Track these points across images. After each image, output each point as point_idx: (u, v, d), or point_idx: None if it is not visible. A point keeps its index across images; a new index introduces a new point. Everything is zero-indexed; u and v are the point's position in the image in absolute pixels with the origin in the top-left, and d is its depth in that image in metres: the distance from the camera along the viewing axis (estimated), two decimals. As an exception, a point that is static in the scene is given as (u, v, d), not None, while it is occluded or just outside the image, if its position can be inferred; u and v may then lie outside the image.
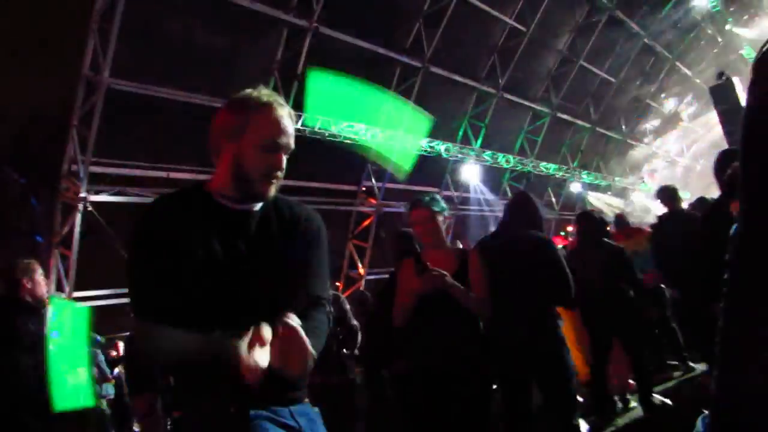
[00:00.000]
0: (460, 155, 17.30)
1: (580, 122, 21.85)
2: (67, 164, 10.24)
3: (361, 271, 16.64)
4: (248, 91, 1.86)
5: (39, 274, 3.73)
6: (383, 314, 3.72)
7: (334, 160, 14.59)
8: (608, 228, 6.16)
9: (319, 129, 13.15)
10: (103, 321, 9.20)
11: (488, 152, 18.14)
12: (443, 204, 3.36)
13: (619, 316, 4.83)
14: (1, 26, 8.33)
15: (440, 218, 3.32)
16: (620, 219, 7.64)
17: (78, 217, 10.41)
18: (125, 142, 10.99)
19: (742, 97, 14.66)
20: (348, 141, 14.10)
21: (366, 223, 16.48)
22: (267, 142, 1.80)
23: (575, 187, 22.83)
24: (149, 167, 11.50)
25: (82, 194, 10.29)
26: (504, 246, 3.60)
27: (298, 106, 12.80)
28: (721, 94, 14.42)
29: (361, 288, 16.53)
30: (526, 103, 19.12)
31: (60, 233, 10.45)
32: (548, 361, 3.43)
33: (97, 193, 10.58)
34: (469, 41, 16.55)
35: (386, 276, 4.00)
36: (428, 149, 16.16)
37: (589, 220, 5.33)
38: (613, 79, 21.98)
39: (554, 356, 3.44)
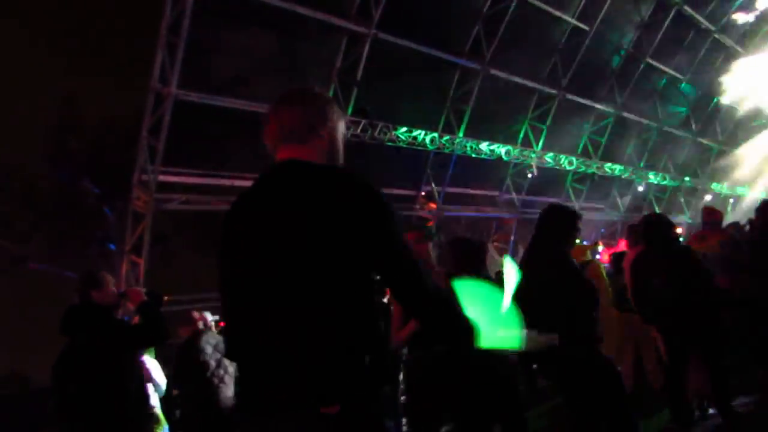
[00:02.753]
0: (521, 158, 16.98)
1: (646, 121, 21.09)
2: (138, 173, 10.60)
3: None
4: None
5: (110, 284, 3.81)
6: None
7: (393, 164, 14.59)
8: (677, 230, 5.81)
9: (378, 134, 13.14)
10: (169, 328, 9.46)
11: (550, 154, 17.74)
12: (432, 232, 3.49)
13: (694, 324, 4.58)
14: (76, 43, 8.71)
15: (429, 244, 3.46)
16: (706, 215, 6.47)
17: (148, 224, 10.76)
18: (191, 152, 11.28)
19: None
20: (407, 146, 14.06)
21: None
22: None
23: (641, 188, 22.08)
24: (214, 175, 11.78)
25: (152, 202, 10.62)
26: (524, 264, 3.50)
27: (359, 112, 12.86)
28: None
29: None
30: (589, 103, 18.58)
31: (131, 241, 10.84)
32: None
33: (166, 201, 10.90)
34: (529, 42, 16.23)
35: None
36: (488, 152, 15.94)
37: (655, 225, 5.05)
38: (681, 76, 21.14)
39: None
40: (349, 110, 12.91)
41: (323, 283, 1.53)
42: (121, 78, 9.65)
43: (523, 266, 3.66)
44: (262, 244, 1.60)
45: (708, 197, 25.29)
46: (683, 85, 21.54)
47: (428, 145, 14.49)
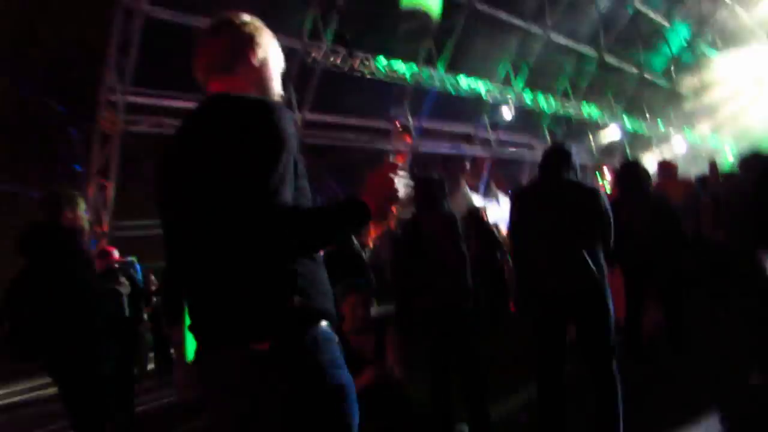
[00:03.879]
0: (500, 96, 16.79)
1: (628, 68, 20.93)
2: (105, 93, 10.18)
3: (394, 210, 16.54)
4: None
5: (82, 208, 3.64)
6: (406, 256, 4.10)
7: (370, 97, 14.30)
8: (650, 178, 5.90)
9: (358, 67, 12.79)
10: (139, 253, 9.37)
11: (529, 93, 17.57)
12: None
13: (662, 266, 4.77)
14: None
15: None
16: (663, 168, 6.80)
17: (116, 147, 10.44)
18: (163, 73, 10.84)
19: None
20: (386, 77, 13.75)
21: (399, 161, 16.25)
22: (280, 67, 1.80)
23: (614, 133, 22.15)
24: (187, 98, 11.38)
25: (120, 123, 10.27)
26: (545, 191, 3.51)
27: (339, 38, 12.46)
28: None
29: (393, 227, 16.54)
30: (573, 44, 18.29)
31: (98, 163, 10.53)
32: (587, 304, 3.34)
33: (135, 123, 10.55)
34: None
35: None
36: (468, 89, 15.70)
37: (633, 171, 5.14)
38: (667, 24, 20.88)
39: (594, 299, 3.34)
40: (328, 37, 12.48)
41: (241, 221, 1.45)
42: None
43: None
44: (183, 183, 1.55)
45: (680, 143, 25.54)
46: (676, 23, 21.24)
47: (407, 79, 14.18)
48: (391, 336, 3.80)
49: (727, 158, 27.00)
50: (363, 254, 6.39)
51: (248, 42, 1.69)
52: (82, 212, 3.61)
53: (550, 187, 3.47)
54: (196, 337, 1.61)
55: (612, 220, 3.43)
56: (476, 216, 8.11)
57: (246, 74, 1.68)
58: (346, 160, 14.57)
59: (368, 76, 13.30)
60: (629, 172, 5.08)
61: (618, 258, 4.73)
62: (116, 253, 5.87)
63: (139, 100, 10.61)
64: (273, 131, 1.48)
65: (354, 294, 3.61)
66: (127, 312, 5.33)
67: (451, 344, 3.90)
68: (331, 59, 12.31)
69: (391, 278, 5.23)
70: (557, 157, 3.49)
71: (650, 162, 23.71)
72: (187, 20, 10.36)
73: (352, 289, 3.65)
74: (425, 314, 3.93)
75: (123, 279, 5.49)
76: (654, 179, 6.14)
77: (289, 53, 12.25)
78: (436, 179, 4.19)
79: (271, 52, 1.74)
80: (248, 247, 1.45)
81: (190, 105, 11.11)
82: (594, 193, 3.40)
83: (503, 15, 15.68)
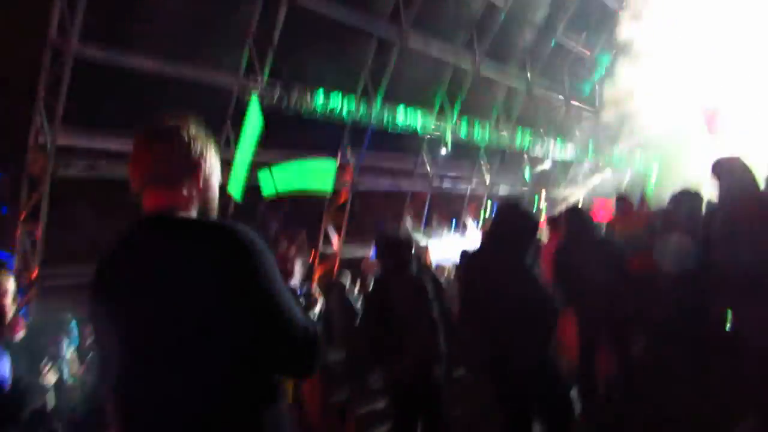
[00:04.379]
0: (435, 130, 17.15)
1: (555, 97, 21.88)
2: (34, 135, 9.79)
3: (336, 247, 16.50)
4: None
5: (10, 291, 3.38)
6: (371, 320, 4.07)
7: (309, 134, 14.32)
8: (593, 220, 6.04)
9: (294, 105, 12.84)
10: (68, 301, 8.91)
11: (464, 126, 18.03)
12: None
13: (609, 310, 4.81)
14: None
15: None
16: (621, 201, 6.97)
17: (46, 191, 10.00)
18: (95, 114, 10.56)
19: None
20: (325, 115, 13.81)
21: (341, 199, 16.28)
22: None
23: (548, 165, 22.96)
24: (120, 140, 11.09)
25: (50, 167, 9.86)
26: (484, 266, 3.52)
27: (274, 74, 12.49)
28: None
29: (336, 266, 16.44)
30: (503, 76, 19.00)
31: (26, 208, 10.06)
32: (539, 377, 3.33)
33: (66, 166, 10.16)
34: (448, 14, 16.31)
35: (361, 256, 4.08)
36: (404, 123, 15.97)
37: (577, 216, 5.27)
38: (588, 53, 22.03)
39: (545, 372, 3.35)
40: (266, 77, 12.49)
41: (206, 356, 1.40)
42: (15, 28, 8.77)
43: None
44: (134, 311, 1.46)
45: (608, 173, 26.65)
46: (598, 56, 22.38)
47: (345, 116, 14.31)
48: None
49: (651, 182, 28.37)
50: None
51: (197, 156, 1.60)
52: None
53: (495, 264, 3.46)
54: None
55: (554, 308, 3.43)
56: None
57: (189, 189, 1.59)
58: (288, 200, 14.45)
59: (305, 112, 13.32)
60: (575, 219, 5.17)
61: (570, 305, 4.82)
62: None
63: (71, 142, 10.24)
64: (255, 255, 1.44)
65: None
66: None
67: (420, 411, 3.82)
68: (268, 97, 12.29)
69: (358, 344, 5.10)
70: (514, 221, 3.48)
71: (581, 189, 24.73)
72: (120, 60, 10.17)
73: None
74: (394, 380, 3.84)
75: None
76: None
77: (224, 90, 12.24)
78: (403, 240, 4.15)
79: (215, 167, 1.66)
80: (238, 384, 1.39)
81: (124, 147, 10.91)
82: (535, 282, 3.42)
83: (435, 50, 16.14)
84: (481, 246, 4.17)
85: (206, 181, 1.62)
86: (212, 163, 1.64)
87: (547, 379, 3.34)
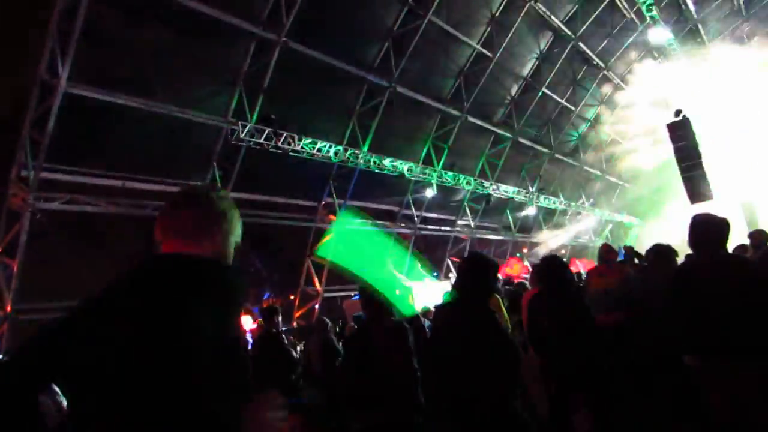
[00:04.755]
0: (422, 176, 17.32)
1: (539, 148, 22.24)
2: (17, 169, 9.74)
3: (318, 288, 16.43)
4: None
5: None
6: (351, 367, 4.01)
7: (296, 176, 14.41)
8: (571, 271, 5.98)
9: (282, 144, 12.90)
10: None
11: (450, 173, 18.23)
12: None
13: (578, 368, 4.70)
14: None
15: None
16: (604, 252, 6.83)
17: (25, 225, 9.90)
18: (79, 149, 10.55)
19: (698, 134, 15.16)
20: (311, 157, 13.89)
21: (326, 239, 16.27)
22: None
23: (531, 211, 23.20)
24: (104, 175, 11.08)
25: (31, 201, 9.78)
26: (451, 320, 3.51)
27: (264, 120, 12.58)
28: (677, 131, 14.88)
29: (317, 305, 16.34)
30: (489, 126, 19.33)
31: (4, 241, 9.93)
32: None
33: (47, 200, 10.09)
34: (436, 63, 16.67)
35: (341, 294, 4.06)
36: (391, 168, 16.11)
37: (550, 266, 5.11)
38: (573, 108, 22.48)
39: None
40: (254, 117, 12.59)
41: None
42: (5, 64, 8.80)
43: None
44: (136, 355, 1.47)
45: (591, 221, 26.99)
46: (573, 116, 22.89)
47: (332, 158, 14.41)
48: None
49: (632, 232, 28.75)
50: (293, 351, 6.22)
51: (220, 219, 1.77)
52: None
53: (465, 314, 3.46)
54: None
55: (515, 353, 3.41)
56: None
57: (206, 246, 1.73)
58: (270, 238, 14.45)
59: (292, 155, 13.38)
60: (547, 269, 5.05)
61: (540, 357, 4.76)
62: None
63: (53, 176, 10.20)
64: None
65: (294, 415, 3.42)
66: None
67: None
68: (256, 138, 12.36)
69: (336, 390, 5.04)
70: (479, 275, 3.51)
71: (563, 236, 24.96)
72: (109, 98, 10.22)
73: (292, 410, 3.47)
74: (373, 428, 3.79)
75: None
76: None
77: (214, 131, 12.32)
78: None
79: (236, 231, 1.83)
80: None
81: (107, 182, 10.88)
82: (503, 335, 3.43)
83: (422, 98, 16.41)
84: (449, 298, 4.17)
85: (224, 240, 1.77)
86: (234, 227, 1.80)
87: (510, 428, 3.29)
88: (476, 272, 3.51)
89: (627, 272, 6.46)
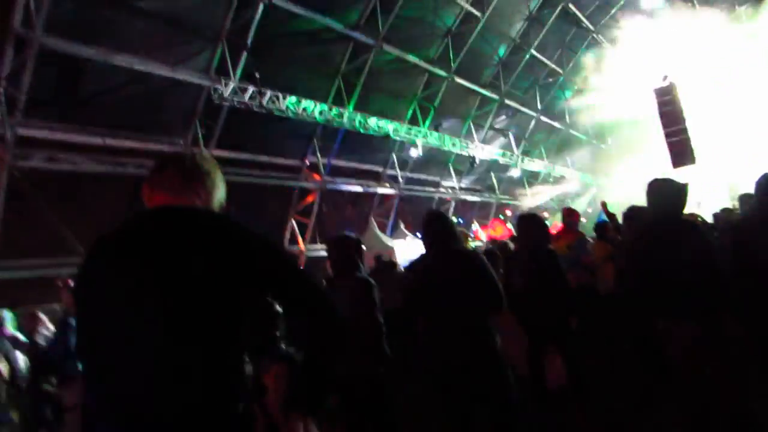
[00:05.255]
0: (407, 136, 17.21)
1: (526, 110, 22.14)
2: (-8, 126, 9.52)
3: (302, 246, 16.46)
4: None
5: None
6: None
7: (280, 134, 14.26)
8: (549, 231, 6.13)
9: (267, 104, 12.71)
10: (26, 293, 8.72)
11: (435, 134, 18.13)
12: None
13: (551, 321, 4.93)
14: None
15: None
16: (566, 215, 7.12)
17: (2, 183, 9.73)
18: (57, 106, 10.32)
19: (682, 99, 15.19)
20: (295, 116, 13.72)
21: (309, 199, 16.25)
22: None
23: (516, 173, 23.26)
24: (83, 131, 10.86)
25: (8, 159, 9.60)
26: (433, 264, 3.60)
27: (248, 77, 12.36)
28: (663, 95, 14.90)
29: (301, 265, 16.41)
30: (476, 88, 19.16)
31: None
32: (488, 385, 3.42)
33: (25, 158, 9.91)
34: (423, 22, 16.36)
35: (325, 254, 4.12)
36: (376, 128, 15.98)
37: (526, 224, 5.28)
38: (561, 70, 22.32)
39: (494, 379, 3.43)
40: (238, 74, 12.36)
41: (210, 329, 1.56)
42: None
43: None
44: (142, 293, 1.55)
45: (573, 184, 27.11)
46: (561, 79, 22.74)
47: (317, 118, 14.24)
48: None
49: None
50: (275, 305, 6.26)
51: (202, 177, 1.87)
52: None
53: (441, 259, 3.54)
54: None
55: (496, 280, 3.53)
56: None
57: (193, 199, 1.83)
58: (254, 197, 14.36)
59: (277, 114, 13.20)
60: (525, 227, 5.21)
61: (516, 313, 4.91)
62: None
63: (30, 133, 9.99)
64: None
65: (279, 364, 3.44)
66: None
67: (367, 412, 3.85)
68: (239, 96, 12.16)
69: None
70: (443, 230, 3.59)
71: (545, 196, 25.13)
72: (87, 53, 9.95)
73: (277, 359, 3.49)
74: (339, 382, 3.86)
75: None
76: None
77: (196, 89, 12.08)
78: (353, 240, 4.16)
79: (219, 186, 1.93)
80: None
81: (87, 140, 10.69)
82: (478, 259, 3.52)
83: (410, 57, 16.18)
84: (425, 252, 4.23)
85: (208, 196, 1.86)
86: (215, 185, 1.90)
87: (490, 378, 3.42)
88: (438, 223, 3.64)
89: (581, 235, 6.79)
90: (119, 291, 1.56)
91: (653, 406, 4.39)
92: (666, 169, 15.69)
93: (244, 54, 12.43)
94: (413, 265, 3.91)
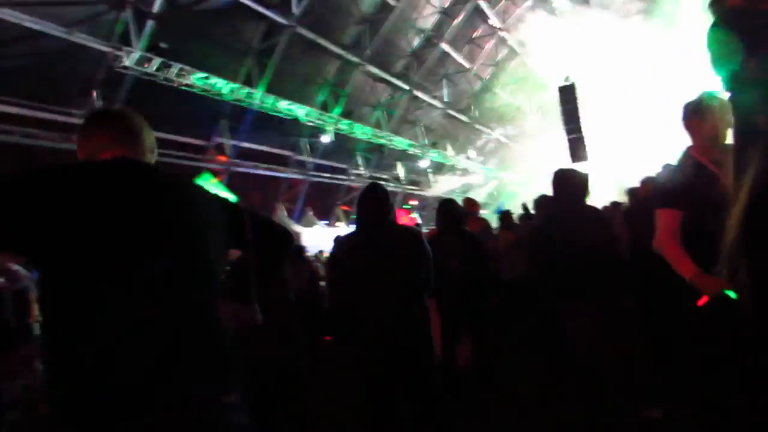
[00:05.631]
0: (318, 121, 17.07)
1: (434, 102, 22.57)
2: None
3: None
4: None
5: None
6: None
7: (186, 112, 13.70)
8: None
9: (173, 77, 12.17)
10: None
11: (346, 121, 18.11)
12: None
13: (472, 302, 5.06)
14: None
15: None
16: (468, 205, 7.41)
17: None
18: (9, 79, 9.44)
19: (582, 100, 16.11)
20: (203, 93, 13.24)
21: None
22: None
23: (422, 164, 23.69)
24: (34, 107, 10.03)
25: None
26: (371, 238, 3.60)
27: (154, 48, 11.76)
28: (565, 94, 15.72)
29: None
30: (388, 77, 19.29)
31: None
32: (412, 357, 3.46)
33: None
34: (340, 7, 16.25)
35: None
36: (287, 111, 15.73)
37: (451, 209, 5.43)
38: (470, 65, 22.92)
39: (418, 351, 3.48)
40: (143, 44, 11.73)
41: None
42: None
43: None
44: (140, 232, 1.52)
45: (477, 176, 28.03)
46: (473, 73, 23.34)
47: (226, 96, 13.80)
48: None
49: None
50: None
51: (142, 132, 1.82)
52: None
53: (376, 234, 3.55)
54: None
55: (431, 261, 3.58)
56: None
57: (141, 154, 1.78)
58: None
59: (184, 89, 12.67)
60: (446, 211, 5.35)
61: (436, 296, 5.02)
62: None
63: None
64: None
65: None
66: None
67: (276, 393, 3.80)
68: (144, 67, 11.55)
69: None
70: (380, 202, 3.59)
71: (449, 186, 25.81)
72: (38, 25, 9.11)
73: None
74: (249, 362, 3.78)
75: None
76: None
77: (96, 55, 11.34)
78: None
79: (154, 146, 1.87)
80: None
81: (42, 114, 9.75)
82: (418, 236, 3.56)
83: (323, 41, 16.02)
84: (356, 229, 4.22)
85: (146, 151, 1.80)
86: (150, 139, 1.84)
87: (417, 357, 3.46)
88: (374, 196, 3.63)
89: (485, 224, 7.10)
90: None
91: (555, 385, 4.64)
92: (565, 164, 16.61)
93: (150, 23, 11.82)
94: (343, 241, 3.88)
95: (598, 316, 3.82)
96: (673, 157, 4.51)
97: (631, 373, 4.34)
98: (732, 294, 2.13)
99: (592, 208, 4.54)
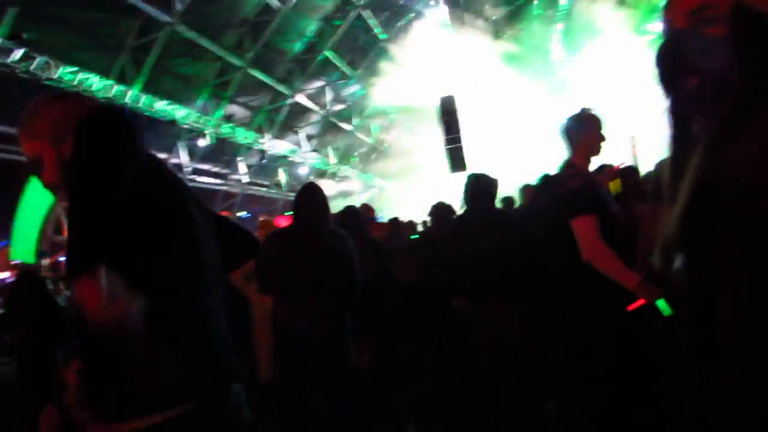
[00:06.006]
0: (197, 125, 16.36)
1: (316, 108, 22.48)
2: None
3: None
4: None
5: None
6: None
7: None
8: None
9: (36, 70, 11.11)
10: None
11: (227, 125, 17.54)
12: None
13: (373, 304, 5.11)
14: None
15: None
16: (365, 210, 7.55)
17: None
18: None
19: (460, 112, 16.77)
20: (71, 89, 12.20)
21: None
22: None
23: (303, 170, 23.53)
24: None
25: None
26: (301, 237, 3.54)
27: (14, 37, 10.69)
28: (445, 106, 16.25)
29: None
30: (270, 82, 18.93)
31: None
32: (334, 352, 3.44)
33: None
34: (222, 8, 15.69)
35: None
36: (164, 112, 14.92)
37: (353, 213, 5.47)
38: (351, 72, 23.07)
39: (338, 359, 3.46)
40: (1, 32, 10.60)
41: None
42: None
43: None
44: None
45: (355, 183, 28.26)
46: (352, 81, 23.51)
47: (97, 93, 12.82)
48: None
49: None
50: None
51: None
52: None
53: (307, 233, 3.49)
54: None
55: (356, 264, 3.58)
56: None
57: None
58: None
59: (48, 84, 11.61)
60: (349, 219, 5.36)
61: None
62: None
63: None
64: None
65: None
66: None
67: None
68: (2, 57, 10.45)
69: None
70: (314, 204, 3.54)
71: (328, 193, 25.79)
72: None
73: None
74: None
75: None
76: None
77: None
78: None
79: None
80: None
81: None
82: (346, 238, 3.54)
83: (205, 41, 15.40)
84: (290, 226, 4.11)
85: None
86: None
87: (336, 359, 3.43)
88: (312, 195, 3.57)
89: (393, 227, 7.30)
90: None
91: (456, 384, 4.75)
92: (443, 174, 17.19)
93: (10, 11, 10.72)
94: (273, 236, 3.78)
95: (506, 318, 3.96)
96: (549, 168, 4.84)
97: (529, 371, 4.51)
98: (663, 305, 2.29)
99: (499, 211, 4.74)
